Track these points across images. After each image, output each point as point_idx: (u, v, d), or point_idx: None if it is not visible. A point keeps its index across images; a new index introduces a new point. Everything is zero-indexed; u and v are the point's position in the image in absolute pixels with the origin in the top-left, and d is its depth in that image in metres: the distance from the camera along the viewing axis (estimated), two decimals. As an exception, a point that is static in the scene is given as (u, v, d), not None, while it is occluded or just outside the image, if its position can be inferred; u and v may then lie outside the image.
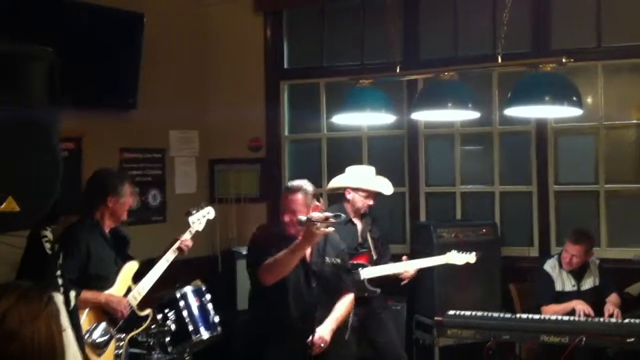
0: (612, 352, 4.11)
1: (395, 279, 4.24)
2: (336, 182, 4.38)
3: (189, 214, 4.02)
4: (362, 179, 4.27)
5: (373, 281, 4.17)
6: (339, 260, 3.39)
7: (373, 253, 4.25)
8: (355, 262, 4.07)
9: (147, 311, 3.76)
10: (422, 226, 5.08)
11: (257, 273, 3.18)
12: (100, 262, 3.56)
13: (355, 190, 4.23)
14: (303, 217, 3.06)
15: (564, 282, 4.44)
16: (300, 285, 3.27)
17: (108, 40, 4.69)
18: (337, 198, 4.59)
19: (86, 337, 3.36)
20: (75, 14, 4.46)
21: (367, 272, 4.14)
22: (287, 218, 3.23)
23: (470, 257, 4.24)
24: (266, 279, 3.16)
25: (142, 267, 3.77)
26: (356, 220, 4.30)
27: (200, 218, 4.03)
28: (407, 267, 4.20)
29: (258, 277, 3.19)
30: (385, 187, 4.33)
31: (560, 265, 4.46)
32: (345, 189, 4.29)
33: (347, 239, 3.86)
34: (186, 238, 3.88)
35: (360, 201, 4.22)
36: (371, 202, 4.27)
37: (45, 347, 1.67)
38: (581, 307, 4.19)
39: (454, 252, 4.25)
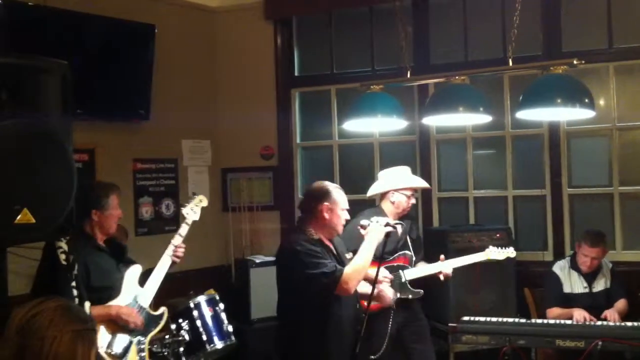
0: (630, 356, 4.07)
1: (434, 278, 4.10)
2: (377, 188, 4.22)
3: (182, 206, 3.98)
4: (403, 179, 4.15)
5: (413, 282, 4.07)
6: (350, 254, 3.50)
7: (412, 255, 4.16)
8: (395, 264, 4.00)
9: (162, 309, 3.72)
10: (435, 231, 5.07)
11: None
12: (102, 273, 3.52)
13: (399, 191, 4.09)
14: (366, 222, 3.38)
15: (574, 284, 4.40)
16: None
17: (120, 52, 4.73)
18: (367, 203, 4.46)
19: (107, 349, 3.37)
20: (87, 26, 4.50)
21: (408, 274, 4.06)
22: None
23: (510, 252, 4.13)
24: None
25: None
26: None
27: (194, 207, 3.95)
28: (445, 267, 4.06)
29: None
30: (424, 182, 4.27)
31: (571, 267, 4.43)
32: (385, 193, 4.16)
33: (390, 241, 3.67)
34: (183, 230, 3.82)
35: (406, 201, 4.09)
36: (414, 201, 4.18)
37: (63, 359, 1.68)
38: (579, 315, 4.14)
39: (492, 248, 4.14)
